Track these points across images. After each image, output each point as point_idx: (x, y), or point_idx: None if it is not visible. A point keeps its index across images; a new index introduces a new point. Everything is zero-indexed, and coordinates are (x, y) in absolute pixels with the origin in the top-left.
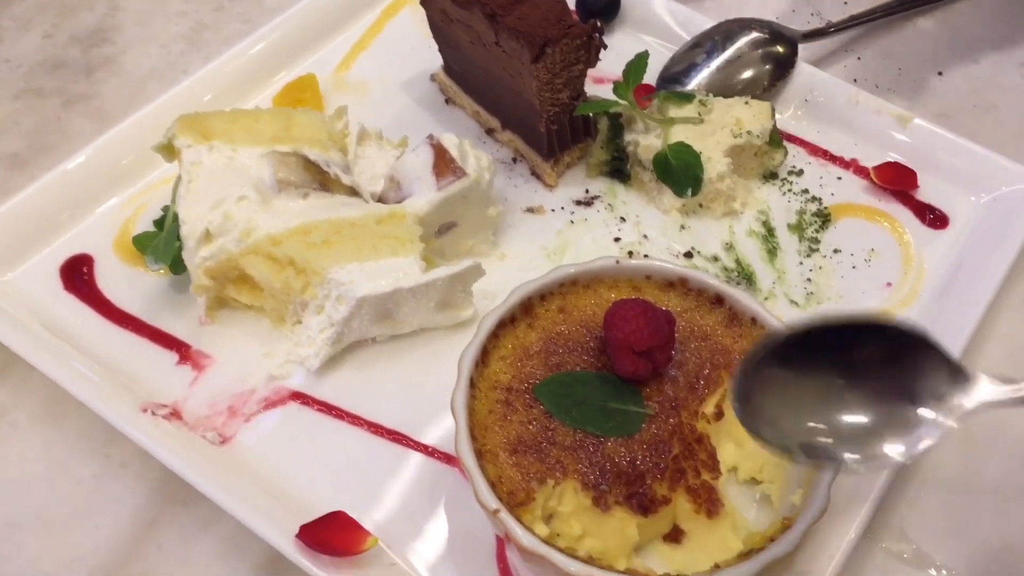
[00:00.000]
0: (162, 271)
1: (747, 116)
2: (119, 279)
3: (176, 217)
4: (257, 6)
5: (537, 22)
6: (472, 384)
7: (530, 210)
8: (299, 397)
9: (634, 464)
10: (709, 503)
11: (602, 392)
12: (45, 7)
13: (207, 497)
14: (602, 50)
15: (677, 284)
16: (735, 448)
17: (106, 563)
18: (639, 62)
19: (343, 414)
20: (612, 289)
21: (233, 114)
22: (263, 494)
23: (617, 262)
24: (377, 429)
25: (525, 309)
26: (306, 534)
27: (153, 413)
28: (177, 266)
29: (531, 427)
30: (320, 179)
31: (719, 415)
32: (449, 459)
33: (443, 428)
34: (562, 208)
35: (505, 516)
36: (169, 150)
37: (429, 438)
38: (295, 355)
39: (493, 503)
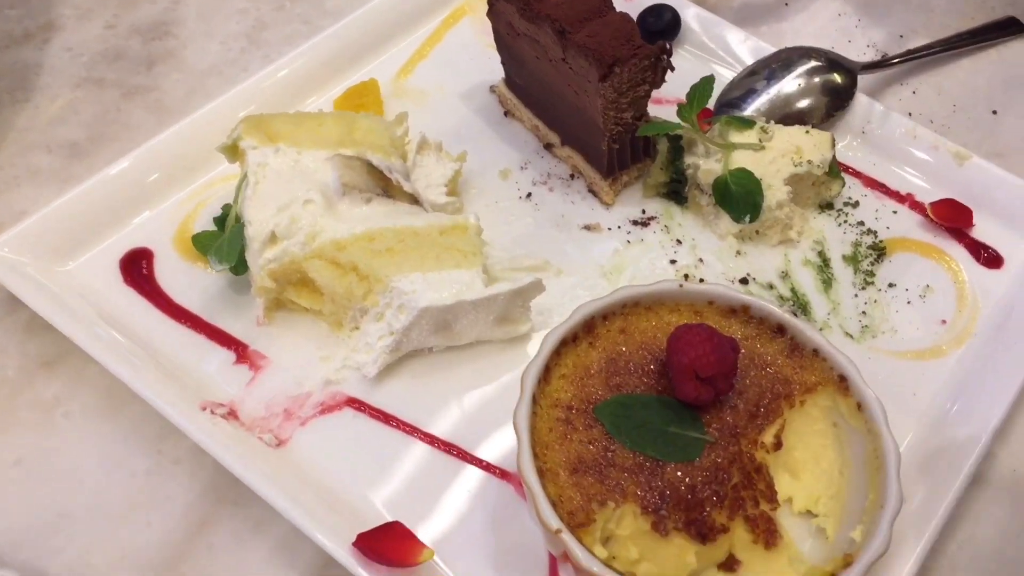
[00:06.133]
0: (223, 270)
1: (807, 145)
2: (177, 275)
3: (238, 218)
4: (317, 7)
5: (606, 41)
6: (534, 401)
7: (587, 227)
8: (354, 403)
9: (693, 490)
10: (767, 534)
11: (662, 416)
12: None
13: (259, 499)
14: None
15: (739, 311)
16: (790, 479)
17: (156, 562)
18: (704, 86)
19: (398, 423)
20: (674, 313)
21: (297, 117)
22: (317, 499)
23: (680, 286)
24: (431, 440)
25: (587, 328)
26: (363, 542)
27: (212, 412)
28: (240, 267)
29: (591, 447)
30: (382, 184)
31: (778, 445)
32: (503, 474)
33: (497, 442)
34: (619, 227)
35: (567, 537)
36: (233, 151)
37: (483, 451)
38: (352, 361)
39: (555, 523)
